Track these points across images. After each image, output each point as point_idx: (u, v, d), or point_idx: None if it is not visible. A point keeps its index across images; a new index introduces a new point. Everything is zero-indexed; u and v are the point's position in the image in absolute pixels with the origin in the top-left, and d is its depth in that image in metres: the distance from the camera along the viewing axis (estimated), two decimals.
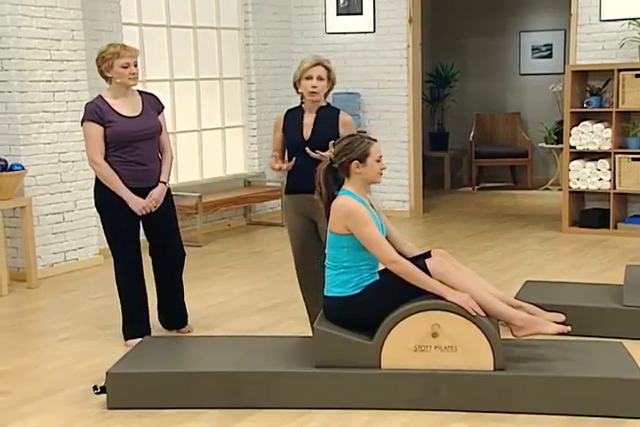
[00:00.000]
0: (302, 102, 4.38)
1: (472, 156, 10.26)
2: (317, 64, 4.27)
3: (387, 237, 3.69)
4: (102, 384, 3.69)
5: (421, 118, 8.50)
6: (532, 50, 10.52)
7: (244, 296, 5.53)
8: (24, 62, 5.92)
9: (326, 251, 3.74)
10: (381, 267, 3.69)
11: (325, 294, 3.74)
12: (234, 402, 3.64)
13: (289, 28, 8.58)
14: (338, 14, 8.37)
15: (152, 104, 4.53)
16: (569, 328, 3.66)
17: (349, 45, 8.40)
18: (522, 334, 3.67)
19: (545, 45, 10.44)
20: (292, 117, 4.37)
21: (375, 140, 3.73)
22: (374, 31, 8.27)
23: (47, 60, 6.07)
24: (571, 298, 4.63)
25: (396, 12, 8.13)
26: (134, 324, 4.57)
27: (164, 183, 4.52)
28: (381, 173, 3.73)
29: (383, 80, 8.30)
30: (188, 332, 4.72)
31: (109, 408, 3.65)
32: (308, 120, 4.31)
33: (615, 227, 7.24)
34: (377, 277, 3.69)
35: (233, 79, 8.23)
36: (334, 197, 3.70)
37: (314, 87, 4.24)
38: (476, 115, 10.61)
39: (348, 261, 3.64)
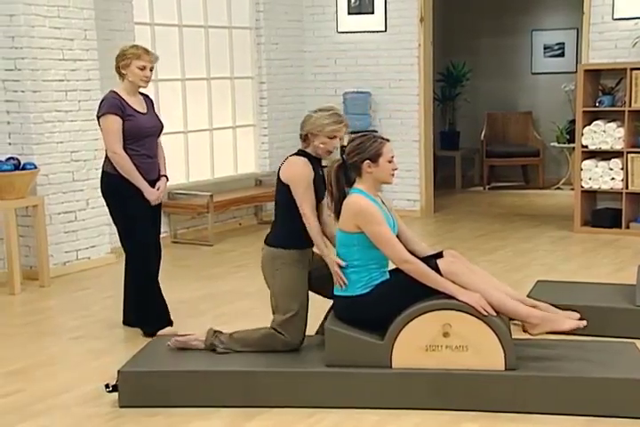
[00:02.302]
0: (306, 149, 3.89)
1: (483, 155, 10.24)
2: (342, 123, 3.84)
3: (398, 237, 3.69)
4: (114, 382, 3.71)
5: (432, 117, 8.49)
6: (544, 49, 10.49)
7: (254, 295, 5.53)
8: (37, 62, 5.94)
9: (336, 249, 3.74)
10: (391, 266, 3.69)
11: (335, 293, 3.74)
12: (245, 401, 3.65)
13: (300, 28, 8.58)
14: (349, 13, 8.37)
15: (151, 105, 4.75)
16: (584, 322, 3.65)
17: (361, 44, 8.39)
18: (537, 331, 3.66)
19: (557, 44, 10.41)
20: (314, 169, 3.87)
21: (388, 141, 3.72)
22: (385, 30, 8.26)
23: (60, 60, 6.09)
24: (583, 298, 4.62)
25: (407, 11, 8.12)
26: (158, 316, 4.64)
27: (166, 177, 4.74)
28: (393, 174, 3.72)
29: (394, 79, 8.29)
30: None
31: (121, 407, 3.66)
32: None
33: (627, 227, 7.21)
34: (386, 276, 3.68)
35: (244, 78, 8.23)
36: (345, 197, 3.70)
37: (334, 147, 3.89)
38: (487, 114, 10.58)
39: (359, 259, 3.64)
